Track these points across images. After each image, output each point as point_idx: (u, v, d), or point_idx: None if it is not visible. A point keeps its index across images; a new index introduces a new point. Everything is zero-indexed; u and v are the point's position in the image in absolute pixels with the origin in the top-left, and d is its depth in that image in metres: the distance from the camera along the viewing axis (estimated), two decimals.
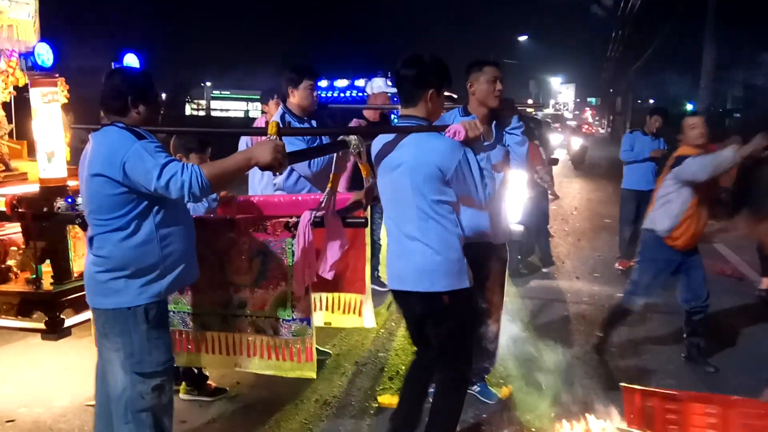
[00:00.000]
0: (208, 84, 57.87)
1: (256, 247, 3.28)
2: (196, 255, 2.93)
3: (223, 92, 59.72)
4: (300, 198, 3.85)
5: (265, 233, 3.26)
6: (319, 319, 4.01)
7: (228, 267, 3.32)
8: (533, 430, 3.60)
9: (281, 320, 3.30)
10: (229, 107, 57.01)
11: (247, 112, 53.40)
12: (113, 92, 2.66)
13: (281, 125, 2.61)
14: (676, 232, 4.19)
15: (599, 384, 4.15)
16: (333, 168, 3.21)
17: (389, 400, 3.81)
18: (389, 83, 5.29)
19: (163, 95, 47.92)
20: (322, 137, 3.98)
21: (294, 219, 3.16)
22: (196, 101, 55.92)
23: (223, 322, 3.40)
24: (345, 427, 3.64)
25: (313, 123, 4.23)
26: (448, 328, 2.87)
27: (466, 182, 2.73)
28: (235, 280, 3.34)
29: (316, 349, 4.49)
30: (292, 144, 3.74)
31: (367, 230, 3.63)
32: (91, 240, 2.67)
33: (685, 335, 4.53)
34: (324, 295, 3.97)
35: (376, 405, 3.87)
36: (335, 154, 3.22)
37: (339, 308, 3.98)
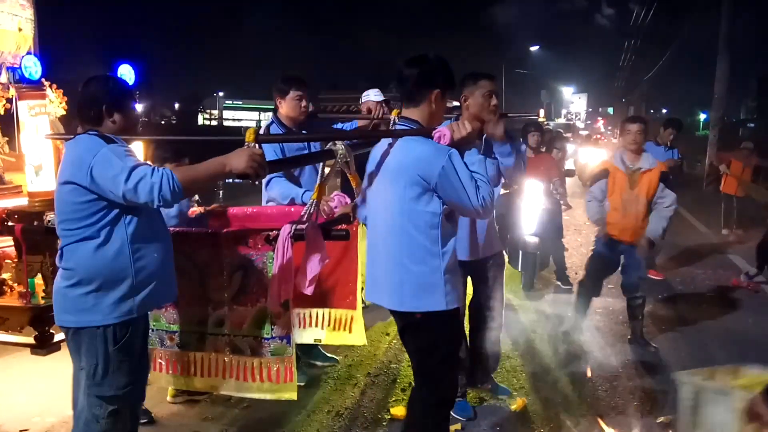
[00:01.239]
0: (221, 94, 58.19)
1: (236, 260, 3.16)
2: (176, 269, 2.83)
3: (235, 102, 59.97)
4: (293, 209, 3.75)
5: (246, 247, 3.14)
6: (309, 335, 3.93)
7: (207, 281, 3.20)
8: None
9: (260, 339, 3.18)
10: (241, 117, 57.13)
11: (259, 122, 53.58)
12: (87, 101, 2.58)
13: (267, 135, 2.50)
14: (608, 220, 4.84)
15: (614, 397, 4.08)
16: (318, 178, 3.09)
17: (402, 411, 3.73)
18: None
19: (176, 105, 48.41)
20: (310, 147, 3.89)
21: (275, 232, 3.02)
22: (208, 111, 56.17)
23: (200, 342, 3.28)
24: None
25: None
26: (422, 348, 2.74)
27: (454, 188, 2.52)
28: (214, 296, 3.22)
29: (324, 355, 4.50)
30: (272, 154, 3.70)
31: (359, 245, 3.53)
32: (60, 253, 2.56)
33: (628, 318, 5.12)
34: (314, 310, 3.90)
35: (389, 416, 3.82)
36: (320, 173, 3.10)
37: (329, 324, 3.89)
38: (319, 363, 4.45)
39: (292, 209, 3.77)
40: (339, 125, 4.32)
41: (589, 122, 59.76)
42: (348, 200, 3.33)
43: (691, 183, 15.62)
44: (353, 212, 3.27)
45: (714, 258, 8.27)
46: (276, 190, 3.88)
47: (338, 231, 3.05)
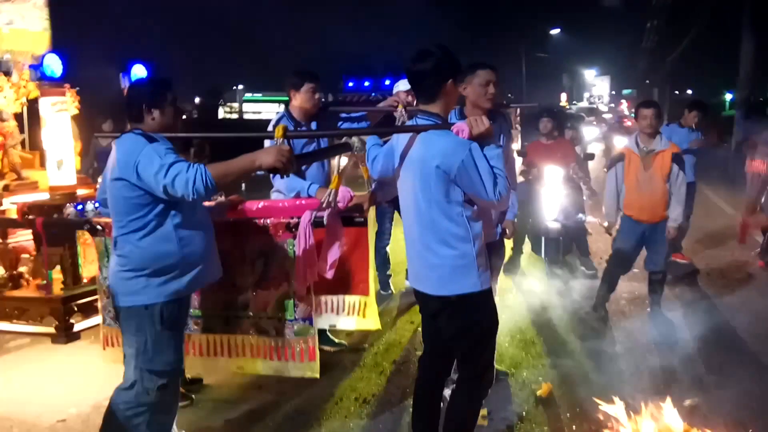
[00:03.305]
0: (240, 87, 58.50)
1: (258, 248, 3.33)
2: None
3: (255, 95, 60.22)
4: (304, 201, 3.78)
5: (266, 234, 3.29)
6: (324, 321, 4.04)
7: (231, 268, 3.33)
8: (573, 427, 3.54)
9: (284, 321, 3.35)
10: (261, 110, 57.40)
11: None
12: (129, 102, 2.84)
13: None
14: (626, 202, 5.10)
15: (641, 380, 4.05)
16: (335, 169, 3.17)
17: None
18: None
19: (197, 99, 48.85)
20: (320, 140, 3.98)
21: (295, 220, 3.18)
22: (229, 104, 56.54)
23: (226, 324, 3.46)
24: (385, 424, 3.61)
25: (313, 126, 4.18)
26: (459, 330, 2.81)
27: (472, 180, 2.59)
28: (238, 282, 3.39)
29: (333, 341, 4.54)
30: None
31: (370, 233, 3.60)
32: (115, 241, 2.80)
33: (648, 292, 5.32)
34: (330, 297, 3.99)
35: None
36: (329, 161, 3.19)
37: (344, 310, 3.99)
38: (327, 348, 4.48)
39: (303, 201, 3.79)
40: (344, 116, 4.36)
41: (612, 105, 58.93)
42: (352, 193, 3.39)
43: (717, 165, 15.32)
44: (368, 201, 3.36)
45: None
46: (282, 183, 3.95)
47: (358, 218, 3.24)
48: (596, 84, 70.99)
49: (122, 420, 2.78)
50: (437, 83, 2.70)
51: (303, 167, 4.06)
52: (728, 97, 36.63)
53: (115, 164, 2.71)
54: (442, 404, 3.12)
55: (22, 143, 4.97)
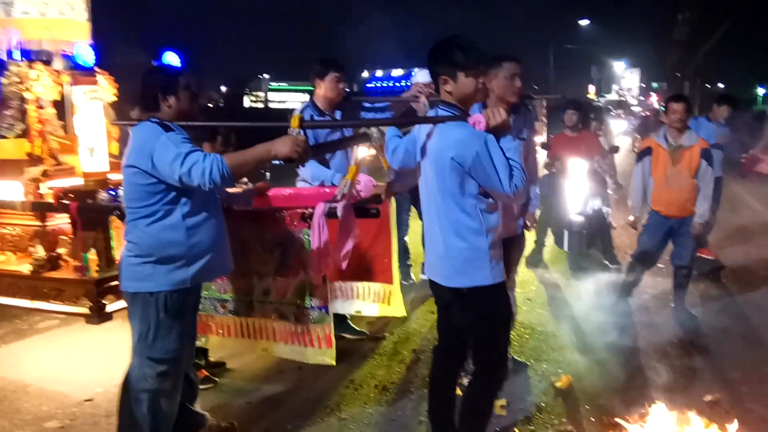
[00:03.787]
0: (266, 76, 58.66)
1: (275, 237, 3.41)
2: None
3: (281, 84, 60.35)
4: (327, 190, 3.83)
5: (283, 224, 3.36)
6: (350, 307, 4.14)
7: (251, 256, 3.45)
8: (592, 419, 3.54)
9: (303, 308, 3.43)
10: (286, 99, 57.51)
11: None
12: (144, 90, 2.83)
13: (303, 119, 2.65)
14: (653, 197, 5.05)
15: (661, 375, 4.07)
16: (351, 160, 3.22)
17: None
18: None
19: (223, 88, 49.21)
20: (344, 130, 4.03)
21: (309, 210, 3.24)
22: (254, 93, 56.77)
23: (250, 308, 3.57)
24: (404, 411, 3.68)
25: (337, 115, 4.22)
26: (470, 322, 2.83)
27: (487, 173, 2.57)
28: (258, 269, 3.48)
29: (353, 329, 4.62)
30: None
31: (392, 222, 3.65)
32: (126, 227, 2.83)
33: (672, 287, 5.22)
34: (355, 284, 4.07)
35: None
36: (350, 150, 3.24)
37: (369, 297, 4.08)
38: (347, 335, 4.55)
39: (327, 190, 3.84)
40: (368, 105, 4.40)
41: (642, 98, 57.94)
42: (374, 182, 3.43)
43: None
44: (386, 192, 3.39)
45: None
46: (308, 173, 4.00)
47: (370, 209, 3.28)
48: (625, 76, 69.74)
49: (130, 403, 2.84)
50: (435, 75, 2.74)
51: (327, 156, 4.12)
52: (761, 91, 35.92)
53: (129, 151, 2.73)
54: (460, 392, 3.15)
55: (63, 128, 5.06)
